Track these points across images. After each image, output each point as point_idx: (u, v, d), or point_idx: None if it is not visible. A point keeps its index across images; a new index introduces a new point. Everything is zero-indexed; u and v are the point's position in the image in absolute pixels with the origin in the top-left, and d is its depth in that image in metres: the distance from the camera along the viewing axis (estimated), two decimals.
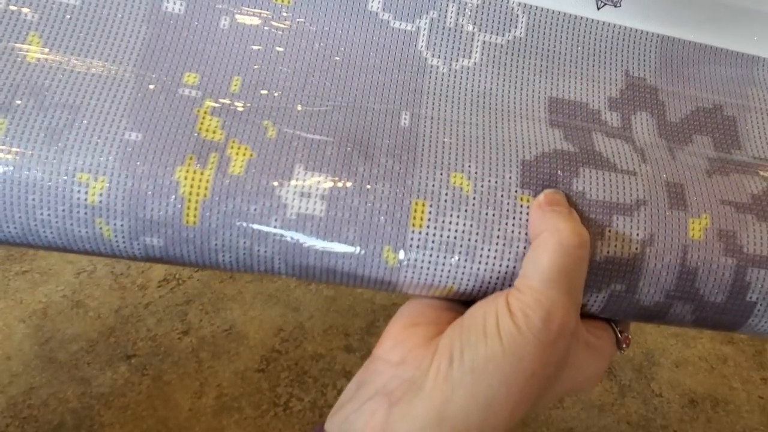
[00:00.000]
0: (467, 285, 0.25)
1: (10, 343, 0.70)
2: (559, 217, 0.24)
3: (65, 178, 0.24)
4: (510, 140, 0.27)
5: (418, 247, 0.25)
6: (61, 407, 0.66)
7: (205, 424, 0.66)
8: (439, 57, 0.29)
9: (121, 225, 0.24)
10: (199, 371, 0.70)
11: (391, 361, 0.24)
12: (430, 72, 0.29)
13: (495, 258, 0.25)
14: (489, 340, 0.22)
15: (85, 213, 0.24)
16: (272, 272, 0.25)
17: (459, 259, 0.25)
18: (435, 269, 0.25)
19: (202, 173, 0.24)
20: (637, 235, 0.25)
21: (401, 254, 0.25)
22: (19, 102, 0.25)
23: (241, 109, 0.26)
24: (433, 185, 0.25)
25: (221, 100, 0.27)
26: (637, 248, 0.25)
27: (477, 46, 0.29)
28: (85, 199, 0.24)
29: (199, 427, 0.66)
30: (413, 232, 0.25)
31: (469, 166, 0.26)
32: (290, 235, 0.25)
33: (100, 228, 0.24)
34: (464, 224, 0.25)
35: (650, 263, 0.25)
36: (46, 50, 0.26)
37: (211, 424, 0.66)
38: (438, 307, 0.26)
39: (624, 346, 0.28)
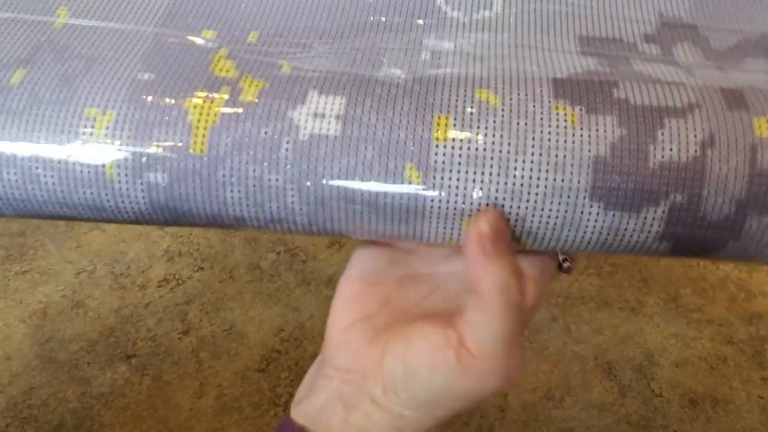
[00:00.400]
0: (503, 203, 0.23)
1: (10, 343, 0.70)
2: (504, 265, 0.22)
3: (73, 114, 0.24)
4: (540, 62, 0.26)
5: (444, 162, 0.23)
6: (61, 407, 0.66)
7: (205, 424, 0.66)
8: (457, 9, 0.28)
9: (125, 160, 0.24)
10: (199, 371, 0.70)
11: (340, 367, 0.24)
12: (450, 23, 0.28)
13: (531, 171, 0.22)
14: (433, 387, 0.22)
15: (90, 150, 0.24)
16: (285, 213, 0.24)
17: (490, 176, 0.23)
18: (465, 188, 0.23)
19: (212, 102, 0.24)
20: (695, 136, 0.23)
21: (426, 172, 0.23)
22: (39, 56, 0.26)
23: (257, 53, 0.26)
24: (456, 100, 0.24)
25: (237, 47, 0.26)
26: (696, 150, 0.22)
27: None
28: (92, 133, 0.24)
29: (199, 427, 0.66)
30: (437, 146, 0.23)
31: (496, 84, 0.24)
32: (303, 158, 0.23)
33: (103, 166, 0.24)
34: (494, 135, 0.23)
35: (714, 166, 0.22)
36: (73, 19, 0.27)
37: (211, 424, 0.66)
38: (367, 292, 0.26)
39: (565, 268, 0.27)
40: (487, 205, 0.23)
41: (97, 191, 0.24)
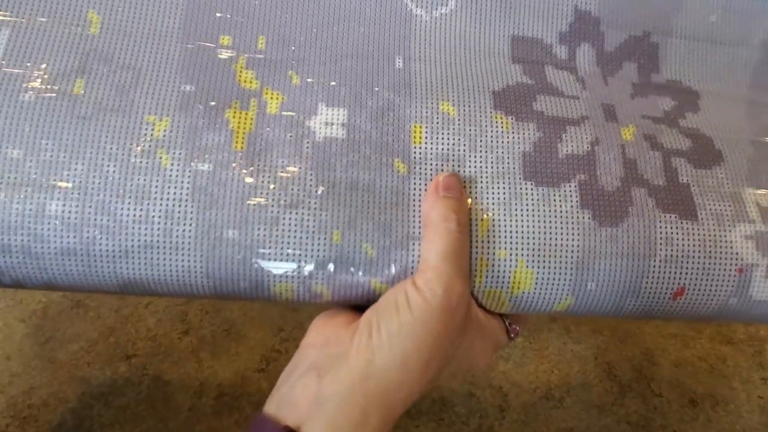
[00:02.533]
0: (463, 186, 0.31)
1: (10, 343, 0.70)
2: (449, 204, 0.29)
3: (135, 119, 0.30)
4: (482, 75, 0.34)
5: (420, 158, 0.31)
6: (61, 407, 0.66)
7: (205, 424, 0.66)
8: (421, 7, 0.36)
9: (179, 153, 0.30)
10: (199, 371, 0.70)
11: (317, 344, 0.29)
12: (415, 20, 0.35)
13: (480, 164, 0.32)
14: (401, 312, 0.27)
15: (149, 145, 0.30)
16: (303, 195, 0.30)
17: (452, 167, 0.31)
18: (435, 175, 0.31)
19: (246, 114, 0.31)
20: (586, 137, 0.33)
21: (409, 165, 0.31)
22: (90, 66, 0.31)
23: (268, 62, 0.33)
24: (426, 112, 0.32)
25: (252, 56, 0.33)
26: (588, 146, 0.32)
27: None
28: (152, 134, 0.30)
29: (199, 427, 0.66)
30: (415, 147, 0.32)
31: (453, 96, 0.33)
32: (320, 152, 0.31)
33: (160, 158, 0.29)
34: (453, 139, 0.32)
35: (600, 156, 0.32)
36: (105, 23, 0.33)
37: (211, 424, 0.66)
38: (351, 311, 0.31)
39: (513, 335, 0.34)
40: None
41: (150, 178, 0.29)
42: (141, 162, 0.29)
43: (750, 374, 0.76)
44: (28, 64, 0.30)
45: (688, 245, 0.31)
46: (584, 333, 0.77)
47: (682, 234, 0.32)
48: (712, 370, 0.76)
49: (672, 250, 0.31)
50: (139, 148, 0.29)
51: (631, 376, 0.74)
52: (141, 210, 0.29)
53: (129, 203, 0.29)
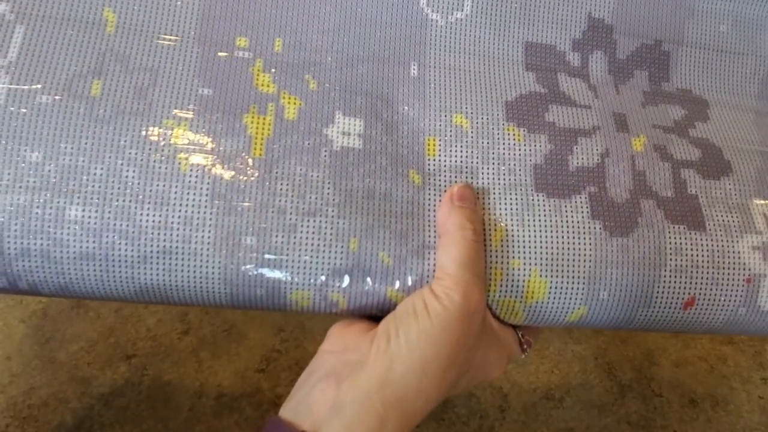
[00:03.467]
0: (476, 197, 0.31)
1: (10, 343, 0.70)
2: (464, 213, 0.29)
3: (153, 123, 0.30)
4: (496, 85, 0.35)
5: (434, 170, 0.32)
6: (61, 407, 0.66)
7: (205, 424, 0.66)
8: (437, 12, 0.36)
9: (198, 159, 0.30)
10: (199, 371, 0.70)
11: (335, 351, 0.29)
12: (431, 25, 0.35)
13: (492, 176, 0.32)
14: (420, 319, 0.27)
15: (169, 150, 0.30)
16: (321, 203, 0.30)
17: (466, 178, 0.32)
18: (449, 187, 0.31)
19: (264, 119, 0.31)
20: (597, 149, 0.33)
21: (423, 176, 0.32)
22: (107, 66, 0.31)
23: (285, 65, 0.33)
24: (440, 125, 0.33)
25: (269, 59, 0.33)
26: (598, 159, 0.33)
27: (468, 0, 0.36)
28: (170, 138, 0.30)
29: (199, 427, 0.66)
30: (429, 159, 0.32)
31: (466, 108, 0.34)
32: (338, 161, 0.31)
33: (179, 163, 0.30)
34: (466, 152, 0.32)
35: (610, 169, 0.33)
36: (121, 22, 0.32)
37: (211, 424, 0.66)
38: (368, 320, 0.31)
39: (526, 347, 0.34)
40: None
41: (169, 184, 0.29)
42: (160, 167, 0.29)
43: (750, 374, 0.76)
44: (44, 64, 0.30)
45: (697, 255, 0.32)
46: (585, 333, 0.77)
47: (691, 244, 0.32)
48: (713, 370, 0.76)
49: (681, 260, 0.32)
50: (158, 153, 0.29)
51: (632, 376, 0.74)
52: (160, 216, 0.29)
53: (148, 209, 0.29)
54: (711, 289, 0.32)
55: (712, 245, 0.32)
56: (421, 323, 0.26)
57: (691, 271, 0.32)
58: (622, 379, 0.74)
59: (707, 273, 0.32)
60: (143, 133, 0.30)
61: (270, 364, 0.71)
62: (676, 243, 0.32)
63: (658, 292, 0.31)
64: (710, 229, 0.32)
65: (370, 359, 0.26)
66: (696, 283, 0.32)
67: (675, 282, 0.32)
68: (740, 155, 0.35)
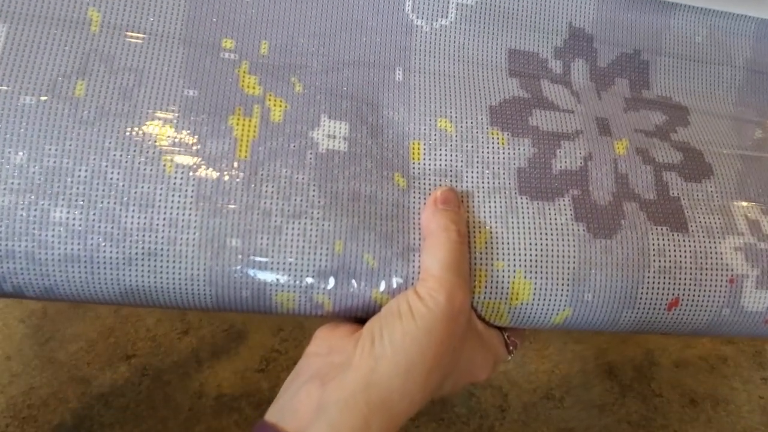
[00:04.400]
0: (461, 201, 0.32)
1: (10, 343, 0.70)
2: (447, 216, 0.30)
3: (138, 125, 0.30)
4: (479, 90, 0.35)
5: (419, 174, 0.32)
6: (61, 407, 0.66)
7: (205, 424, 0.66)
8: (422, 18, 0.36)
9: (183, 161, 0.29)
10: (199, 371, 0.70)
11: (321, 353, 0.29)
12: (416, 31, 0.36)
13: (477, 179, 0.32)
14: (404, 320, 0.27)
15: (154, 152, 0.29)
16: (306, 206, 0.30)
17: (450, 182, 0.32)
18: (434, 190, 0.32)
19: (249, 120, 0.31)
20: (580, 153, 0.34)
21: (408, 179, 0.32)
22: (91, 66, 0.31)
23: (271, 68, 0.33)
24: (425, 129, 0.33)
25: (255, 61, 0.33)
26: (581, 162, 0.33)
27: (452, 7, 0.36)
28: (155, 140, 0.30)
29: (199, 427, 0.66)
30: (414, 163, 0.32)
31: (450, 112, 0.34)
32: (323, 163, 0.31)
33: (164, 165, 0.29)
34: (451, 155, 0.33)
35: (593, 172, 0.33)
36: (105, 22, 0.32)
37: (211, 424, 0.66)
38: (354, 322, 0.30)
39: (512, 348, 0.34)
40: None
41: (154, 185, 0.29)
42: (145, 169, 0.29)
43: (750, 374, 0.76)
44: (28, 64, 0.30)
45: (680, 257, 0.32)
46: (585, 333, 0.77)
47: (674, 246, 0.32)
48: (713, 370, 0.76)
49: (665, 262, 0.32)
50: (142, 154, 0.29)
51: (632, 376, 0.74)
52: (145, 218, 0.29)
53: (133, 211, 0.29)
54: (694, 290, 0.32)
55: (695, 246, 0.32)
56: (406, 324, 0.26)
57: (675, 272, 0.32)
58: (622, 379, 0.74)
59: (690, 274, 0.32)
60: (128, 134, 0.29)
61: (270, 364, 0.71)
62: (659, 244, 0.32)
63: (642, 293, 0.32)
64: (693, 231, 0.33)
65: (355, 360, 0.26)
66: (679, 284, 0.32)
67: (659, 283, 0.32)
68: (721, 159, 0.36)
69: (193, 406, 0.67)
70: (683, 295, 0.32)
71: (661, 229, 0.32)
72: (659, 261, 0.32)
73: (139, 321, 0.73)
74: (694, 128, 0.37)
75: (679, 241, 0.32)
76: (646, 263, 0.32)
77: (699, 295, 0.32)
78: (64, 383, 0.68)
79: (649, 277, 0.32)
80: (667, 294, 0.32)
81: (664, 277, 0.32)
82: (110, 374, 0.69)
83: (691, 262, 0.32)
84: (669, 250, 0.32)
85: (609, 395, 0.73)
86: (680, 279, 0.32)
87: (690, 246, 0.32)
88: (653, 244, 0.32)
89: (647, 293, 0.32)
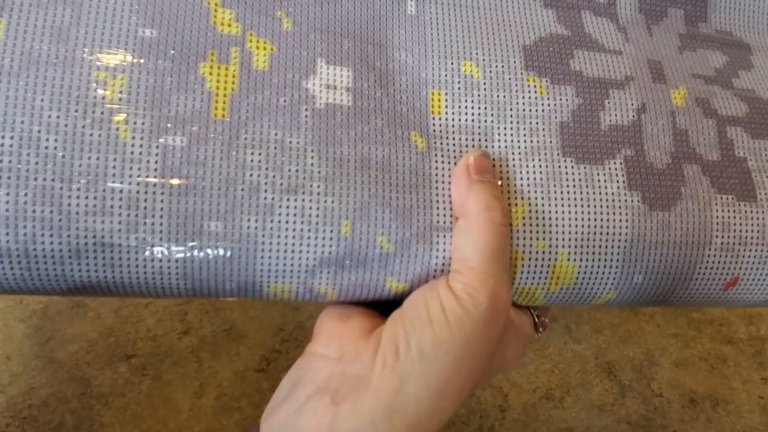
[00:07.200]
0: (492, 163, 0.26)
1: (10, 343, 0.70)
2: (487, 190, 0.24)
3: (80, 76, 0.23)
4: (510, 25, 0.29)
5: (441, 132, 0.26)
6: (61, 407, 0.66)
7: (205, 424, 0.66)
8: None
9: (142, 123, 0.23)
10: (199, 371, 0.70)
11: (330, 357, 0.23)
12: None
13: (511, 137, 0.27)
14: (435, 326, 0.21)
15: (102, 112, 0.23)
16: (303, 176, 0.24)
17: (479, 141, 0.26)
18: (460, 152, 0.26)
19: (227, 68, 0.25)
20: (632, 104, 0.28)
21: (428, 139, 0.26)
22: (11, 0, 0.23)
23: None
24: (446, 75, 0.27)
25: None
26: (633, 115, 0.28)
27: None
28: (103, 96, 0.23)
29: (199, 427, 0.66)
30: (434, 118, 0.26)
31: (476, 54, 0.28)
32: (323, 122, 0.25)
33: (117, 128, 0.23)
34: (478, 108, 0.27)
35: (647, 127, 0.28)
36: None
37: (211, 424, 0.66)
38: (366, 310, 0.26)
39: (541, 329, 0.30)
40: None
41: (104, 156, 0.23)
42: (92, 134, 0.23)
43: (750, 374, 0.76)
44: None
45: (746, 231, 0.28)
46: (585, 332, 0.77)
47: (740, 218, 0.28)
48: (713, 370, 0.76)
49: (728, 238, 0.27)
50: (87, 115, 0.23)
51: (632, 376, 0.74)
52: (95, 198, 0.22)
53: (78, 189, 0.22)
54: (758, 269, 0.28)
55: (764, 219, 0.28)
56: (438, 332, 0.21)
57: (738, 250, 0.27)
58: (622, 379, 0.74)
59: (756, 251, 0.28)
60: (66, 89, 0.23)
61: (270, 364, 0.71)
62: (723, 217, 0.27)
63: (698, 273, 0.27)
64: (761, 200, 0.28)
65: (375, 377, 0.21)
66: (742, 263, 0.28)
67: (719, 262, 0.27)
68: None
69: (193, 406, 0.67)
70: (744, 274, 0.28)
71: (727, 198, 0.28)
72: (722, 237, 0.27)
73: (139, 321, 0.73)
74: (759, 72, 0.32)
75: (745, 212, 0.28)
76: (707, 240, 0.27)
77: (761, 275, 0.28)
78: (64, 383, 0.68)
79: (709, 255, 0.27)
80: (727, 273, 0.28)
81: (726, 255, 0.27)
82: (110, 374, 0.69)
83: (757, 238, 0.28)
84: (734, 224, 0.27)
85: (609, 395, 0.72)
86: (744, 257, 0.28)
87: (758, 218, 0.28)
88: (717, 217, 0.27)
89: (704, 273, 0.28)
